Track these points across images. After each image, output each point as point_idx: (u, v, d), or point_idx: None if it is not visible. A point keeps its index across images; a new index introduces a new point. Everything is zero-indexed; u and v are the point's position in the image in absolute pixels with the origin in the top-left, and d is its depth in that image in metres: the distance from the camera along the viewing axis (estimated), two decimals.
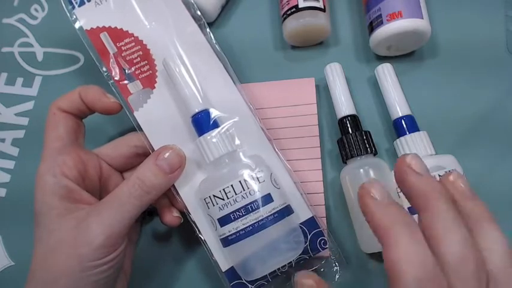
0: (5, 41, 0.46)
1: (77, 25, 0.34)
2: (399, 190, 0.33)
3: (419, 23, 0.35)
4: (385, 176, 0.33)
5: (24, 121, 0.42)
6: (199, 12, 0.34)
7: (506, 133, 0.36)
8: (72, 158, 0.30)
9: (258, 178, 0.29)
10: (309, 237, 0.31)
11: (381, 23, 0.36)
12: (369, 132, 0.35)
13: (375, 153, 0.35)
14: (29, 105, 0.43)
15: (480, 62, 0.39)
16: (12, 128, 0.42)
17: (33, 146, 0.41)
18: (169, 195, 0.33)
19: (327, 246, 0.31)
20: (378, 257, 0.34)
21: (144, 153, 0.33)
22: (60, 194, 0.29)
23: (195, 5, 0.35)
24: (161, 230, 0.38)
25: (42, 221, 0.28)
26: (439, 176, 0.32)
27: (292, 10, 0.37)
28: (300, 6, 0.37)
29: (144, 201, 0.29)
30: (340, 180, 0.34)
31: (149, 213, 0.38)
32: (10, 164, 0.41)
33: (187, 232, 0.36)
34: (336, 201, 0.36)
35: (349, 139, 0.34)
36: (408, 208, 0.32)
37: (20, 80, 0.44)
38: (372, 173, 0.32)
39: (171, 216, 0.33)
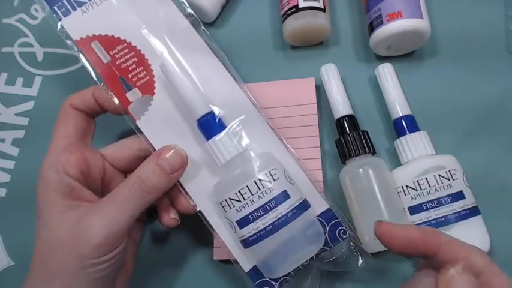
0: (5, 41, 0.46)
1: (65, 37, 0.32)
2: (399, 190, 0.33)
3: (419, 23, 0.35)
4: (384, 175, 0.33)
5: (24, 121, 0.42)
6: (190, 10, 0.33)
7: (507, 133, 0.36)
8: (75, 157, 0.30)
9: (272, 176, 0.29)
10: (327, 229, 0.31)
11: (380, 23, 0.36)
12: (367, 131, 0.35)
13: (373, 153, 0.35)
14: (29, 105, 0.43)
15: (480, 61, 0.39)
16: (12, 128, 0.42)
17: (33, 146, 0.41)
18: (171, 196, 0.33)
19: (347, 235, 0.31)
20: (379, 256, 0.34)
21: (146, 157, 0.32)
22: (61, 191, 0.29)
23: (186, 3, 0.33)
24: (165, 229, 0.37)
25: (43, 216, 0.29)
26: (439, 175, 0.32)
27: (292, 10, 0.37)
28: (300, 6, 0.37)
29: (144, 201, 0.29)
30: (340, 181, 0.34)
31: (153, 212, 0.37)
32: (10, 164, 0.41)
33: (191, 231, 0.36)
34: (336, 201, 0.35)
35: (346, 139, 0.34)
36: (408, 208, 0.33)
37: (20, 80, 0.44)
38: (371, 172, 0.32)
39: (168, 218, 0.32)
